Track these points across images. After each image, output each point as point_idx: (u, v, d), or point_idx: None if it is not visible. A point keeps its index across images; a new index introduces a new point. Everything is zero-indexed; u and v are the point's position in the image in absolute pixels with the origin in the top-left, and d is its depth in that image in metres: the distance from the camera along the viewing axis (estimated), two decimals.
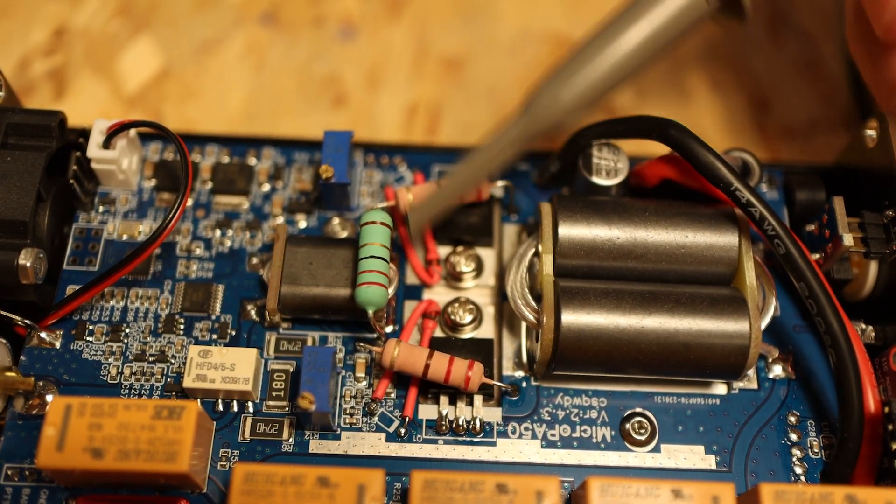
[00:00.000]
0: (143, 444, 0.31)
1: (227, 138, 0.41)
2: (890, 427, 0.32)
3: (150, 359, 0.35)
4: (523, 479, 0.31)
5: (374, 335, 0.36)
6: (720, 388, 0.36)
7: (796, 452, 0.35)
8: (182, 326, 0.36)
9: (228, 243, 0.38)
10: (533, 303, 0.35)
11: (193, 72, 0.48)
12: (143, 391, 0.35)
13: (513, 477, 0.31)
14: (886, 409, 0.32)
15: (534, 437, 0.35)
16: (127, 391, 0.35)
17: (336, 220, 0.39)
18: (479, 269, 0.38)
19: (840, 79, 0.48)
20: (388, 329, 0.37)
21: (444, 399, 0.35)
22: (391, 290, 0.35)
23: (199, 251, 0.38)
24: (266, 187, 0.39)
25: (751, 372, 0.36)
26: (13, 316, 0.35)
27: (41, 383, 0.35)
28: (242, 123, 0.47)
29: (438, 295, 0.37)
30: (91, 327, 0.36)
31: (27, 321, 0.35)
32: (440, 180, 0.35)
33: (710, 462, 0.35)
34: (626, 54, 0.34)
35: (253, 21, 0.50)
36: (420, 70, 0.49)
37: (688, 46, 0.50)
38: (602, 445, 0.35)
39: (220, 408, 0.35)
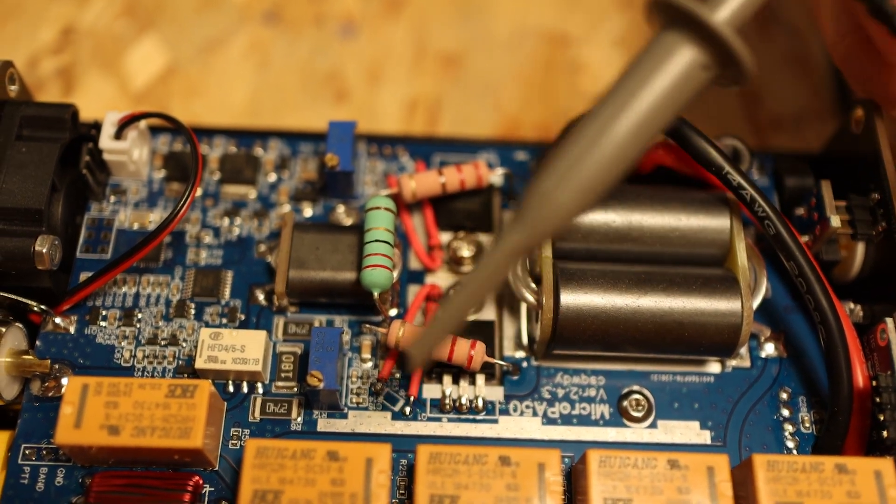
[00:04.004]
0: (158, 422, 0.32)
1: (234, 130, 0.42)
2: (878, 400, 0.33)
3: (163, 342, 0.37)
4: (525, 451, 0.32)
5: (380, 317, 0.37)
6: (714, 367, 0.37)
7: (788, 427, 0.36)
8: (193, 311, 0.37)
9: (237, 231, 0.39)
10: (533, 285, 0.36)
11: (198, 69, 0.49)
12: (155, 373, 0.36)
13: (515, 450, 0.32)
14: (874, 383, 0.34)
15: (534, 414, 0.36)
16: (140, 374, 0.36)
17: (341, 209, 0.40)
18: (479, 254, 0.39)
19: (827, 71, 0.50)
20: (393, 312, 0.38)
21: (447, 379, 0.36)
22: (395, 274, 0.36)
23: (208, 239, 0.39)
24: (273, 177, 0.41)
25: (744, 351, 0.37)
26: (29, 302, 0.36)
27: (56, 366, 0.36)
28: (247, 119, 0.48)
29: (441, 279, 0.39)
30: (104, 312, 0.37)
31: (43, 307, 0.36)
32: (437, 310, 0.30)
33: (705, 437, 0.36)
34: (624, 140, 0.28)
35: (256, 20, 0.51)
36: (419, 66, 0.50)
37: None
38: (601, 422, 0.36)
39: (231, 389, 0.36)
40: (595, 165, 0.28)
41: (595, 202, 0.29)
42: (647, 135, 0.29)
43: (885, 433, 0.33)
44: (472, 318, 0.38)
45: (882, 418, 0.33)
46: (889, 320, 0.35)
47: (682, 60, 0.28)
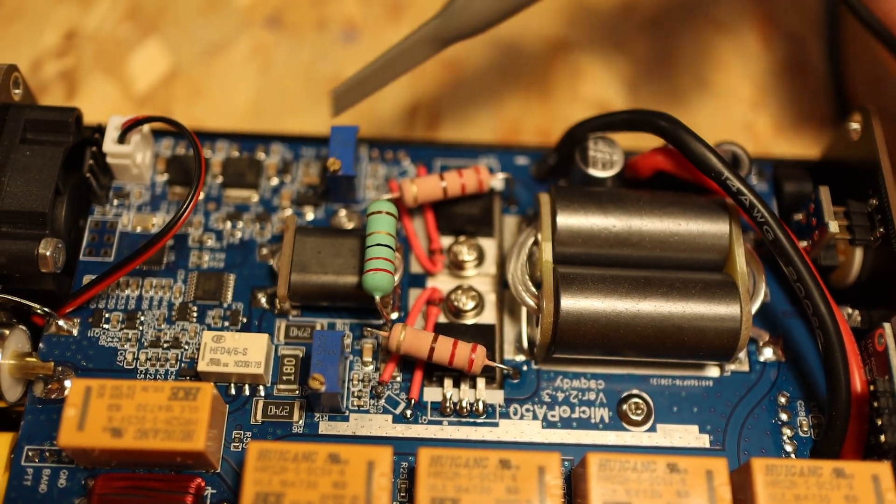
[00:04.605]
0: (161, 424, 0.32)
1: (236, 134, 0.42)
2: (875, 404, 0.34)
3: (165, 345, 0.37)
4: (526, 455, 0.32)
5: (381, 321, 0.37)
6: (713, 371, 0.37)
7: (787, 431, 0.36)
8: (195, 314, 0.37)
9: (239, 235, 0.40)
10: (533, 289, 0.36)
11: (201, 73, 0.50)
12: (158, 376, 0.36)
13: (516, 453, 0.32)
14: (872, 387, 0.34)
15: (535, 417, 0.36)
16: (143, 376, 0.36)
17: (343, 213, 0.40)
18: (480, 259, 0.39)
19: (826, 77, 0.50)
20: (394, 316, 0.38)
21: (448, 382, 0.36)
22: (397, 278, 0.36)
23: (210, 242, 0.39)
24: (275, 181, 0.41)
25: (742, 355, 0.38)
26: (33, 304, 0.36)
27: (60, 369, 0.36)
28: (249, 122, 0.48)
29: (442, 283, 0.39)
30: (107, 315, 0.37)
31: (46, 309, 0.36)
32: (361, 70, 0.38)
33: (704, 441, 0.36)
34: None
35: (258, 24, 0.51)
36: (420, 71, 0.50)
37: (679, 48, 0.52)
38: (600, 425, 0.36)
39: (233, 391, 0.36)
40: None
41: (504, 17, 0.37)
42: None
43: (882, 437, 0.33)
44: (472, 321, 0.38)
45: (879, 423, 0.33)
46: (886, 325, 0.35)
47: None
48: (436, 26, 0.37)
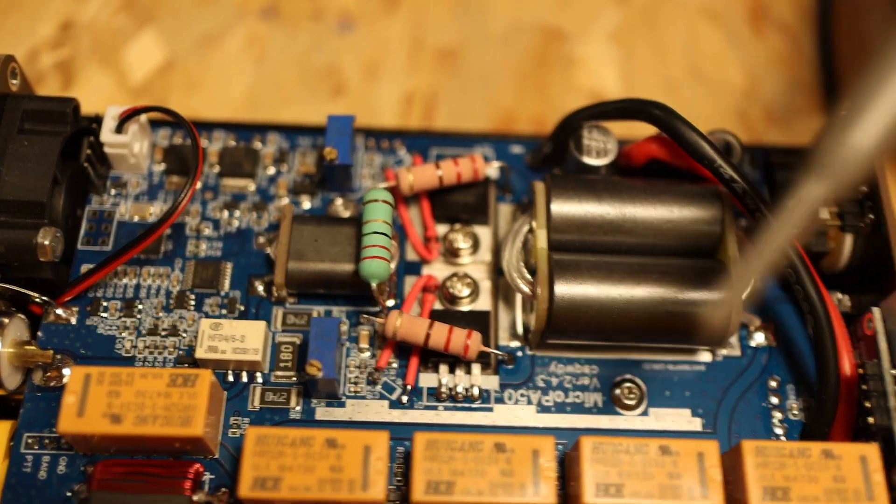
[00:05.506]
0: (160, 410, 0.33)
1: (233, 124, 0.42)
2: (864, 387, 0.34)
3: (163, 333, 0.37)
4: (520, 438, 0.32)
5: (377, 308, 0.38)
6: (705, 356, 0.38)
7: (777, 415, 0.37)
8: (193, 302, 0.38)
9: (236, 223, 0.40)
10: (528, 276, 0.37)
11: (197, 63, 0.50)
12: (156, 363, 0.37)
13: (510, 437, 0.32)
14: (861, 371, 0.34)
15: (529, 402, 0.37)
16: (141, 364, 0.37)
17: (339, 201, 0.40)
18: (475, 246, 0.40)
19: (817, 66, 0.50)
20: (390, 303, 0.38)
21: (443, 368, 0.37)
22: (393, 265, 0.37)
23: (207, 231, 0.40)
24: (271, 170, 0.41)
25: (734, 340, 0.38)
26: (31, 293, 0.36)
27: (58, 357, 0.36)
28: (245, 112, 0.49)
29: (437, 270, 0.39)
30: (105, 304, 0.38)
31: (44, 298, 0.36)
32: (755, 247, 0.32)
33: (696, 424, 0.36)
34: None
35: (253, 15, 0.51)
36: (416, 61, 0.51)
37: (672, 37, 0.52)
38: (594, 410, 0.37)
39: (231, 378, 0.36)
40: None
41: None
42: None
43: (870, 420, 0.33)
44: (468, 307, 0.38)
45: (868, 405, 0.34)
46: (875, 310, 0.35)
47: None
48: (825, 188, 0.28)
